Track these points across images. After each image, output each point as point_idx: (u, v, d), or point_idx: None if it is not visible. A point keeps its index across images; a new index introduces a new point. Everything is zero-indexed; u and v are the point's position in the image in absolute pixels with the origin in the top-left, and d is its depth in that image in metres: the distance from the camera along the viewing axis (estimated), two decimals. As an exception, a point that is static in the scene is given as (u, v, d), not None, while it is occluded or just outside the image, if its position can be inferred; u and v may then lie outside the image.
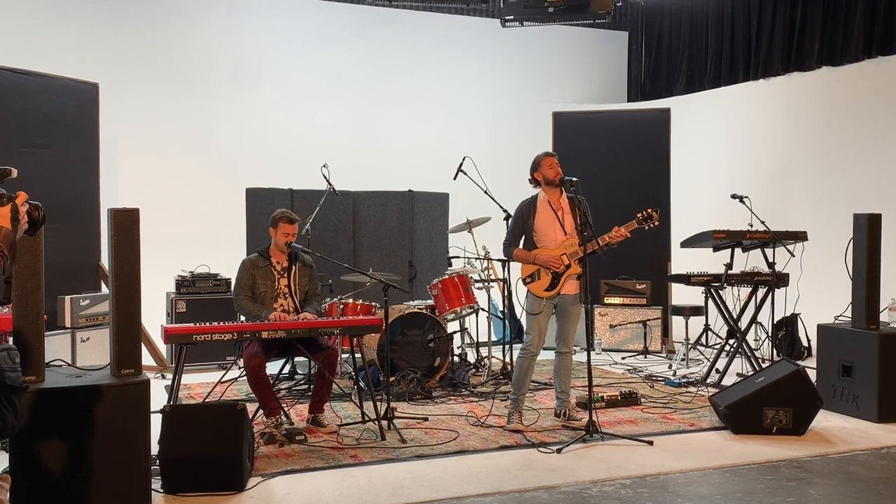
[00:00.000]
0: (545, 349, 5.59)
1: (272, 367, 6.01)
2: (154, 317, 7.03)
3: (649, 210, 5.47)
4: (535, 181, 5.58)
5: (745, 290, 7.13)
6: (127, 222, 4.19)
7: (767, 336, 7.52)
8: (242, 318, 5.63)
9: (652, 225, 5.47)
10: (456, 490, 4.27)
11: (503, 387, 6.63)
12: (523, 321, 5.66)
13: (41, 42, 8.71)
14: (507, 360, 7.13)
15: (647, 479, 4.45)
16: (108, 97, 7.74)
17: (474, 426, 5.51)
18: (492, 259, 7.58)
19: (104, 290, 7.36)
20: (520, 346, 5.61)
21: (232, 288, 6.63)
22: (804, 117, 9.34)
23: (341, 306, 6.80)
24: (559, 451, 4.92)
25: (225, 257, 7.63)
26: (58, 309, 6.79)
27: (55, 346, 6.30)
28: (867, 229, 5.85)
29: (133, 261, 4.18)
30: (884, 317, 5.99)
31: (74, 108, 7.32)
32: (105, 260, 7.04)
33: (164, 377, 7.16)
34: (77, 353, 6.76)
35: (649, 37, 12.02)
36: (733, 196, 6.99)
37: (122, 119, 8.75)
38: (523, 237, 5.57)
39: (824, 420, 5.56)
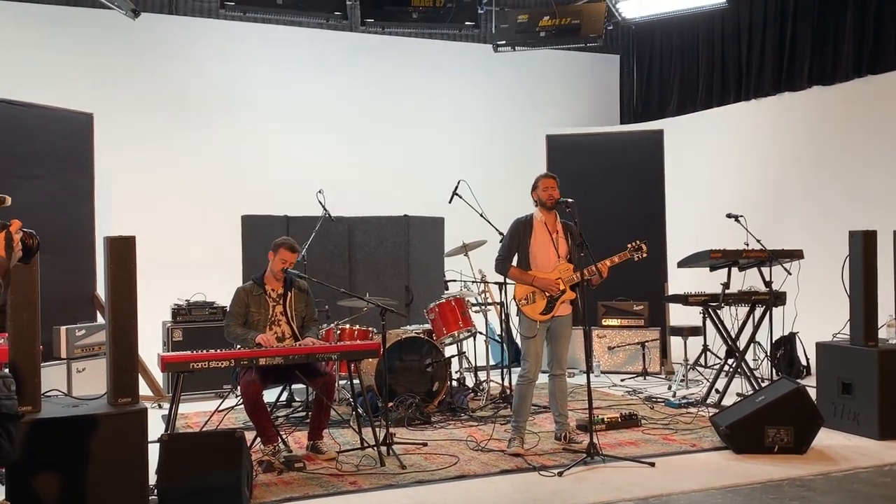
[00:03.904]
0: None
1: (270, 395, 5.97)
2: (150, 346, 6.99)
3: (638, 241, 5.55)
4: (534, 200, 5.60)
5: (743, 310, 7.11)
6: (123, 250, 4.18)
7: (766, 355, 7.50)
8: (238, 346, 5.60)
9: (641, 256, 5.55)
10: (457, 515, 4.23)
11: (502, 411, 6.59)
12: (520, 344, 5.64)
13: (35, 73, 8.75)
14: (506, 383, 7.09)
15: (649, 500, 4.42)
16: (102, 127, 7.74)
17: (474, 451, 5.47)
18: (488, 282, 7.56)
19: (100, 320, 7.32)
20: (518, 369, 5.58)
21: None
22: (796, 136, 9.39)
23: (338, 332, 6.77)
24: (560, 474, 4.89)
25: (221, 285, 7.60)
26: (53, 339, 6.74)
27: (51, 377, 6.24)
28: (863, 246, 5.85)
29: (129, 288, 4.16)
30: (882, 333, 5.99)
31: (69, 139, 7.32)
32: (101, 289, 7.01)
33: (160, 407, 7.11)
34: (73, 384, 6.70)
35: (641, 59, 12.11)
36: (728, 215, 7.00)
37: (117, 148, 8.76)
38: (516, 255, 5.56)
39: (826, 438, 5.54)
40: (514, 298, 5.52)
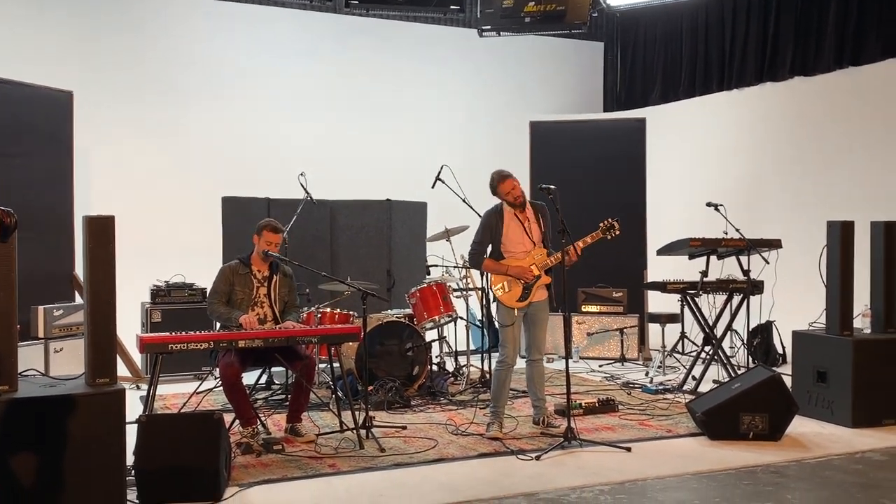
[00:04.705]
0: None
1: (249, 377, 5.97)
2: (129, 327, 6.95)
3: (610, 220, 5.54)
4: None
5: (721, 298, 7.17)
6: (102, 229, 4.15)
7: (743, 343, 7.57)
8: (217, 326, 5.58)
9: (614, 234, 5.54)
10: (435, 498, 4.25)
11: (482, 395, 6.62)
12: (498, 331, 5.65)
13: (15, 49, 8.63)
14: (486, 368, 7.13)
15: (625, 485, 4.46)
16: (82, 105, 7.67)
17: (453, 434, 5.50)
18: (469, 267, 7.57)
19: (78, 300, 7.27)
20: (497, 355, 5.60)
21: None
22: (777, 126, 9.45)
23: (319, 315, 6.77)
24: (538, 458, 4.92)
25: (200, 267, 7.56)
26: (30, 319, 6.70)
27: (28, 357, 6.20)
28: (840, 237, 5.91)
29: (108, 268, 4.13)
30: (857, 323, 6.05)
31: (48, 117, 7.24)
32: (79, 269, 6.96)
33: (138, 388, 7.08)
34: (50, 364, 6.66)
35: (625, 47, 12.12)
36: (708, 204, 7.04)
37: (97, 127, 8.67)
38: (489, 246, 5.54)
39: (800, 426, 5.60)
40: (490, 287, 5.53)
